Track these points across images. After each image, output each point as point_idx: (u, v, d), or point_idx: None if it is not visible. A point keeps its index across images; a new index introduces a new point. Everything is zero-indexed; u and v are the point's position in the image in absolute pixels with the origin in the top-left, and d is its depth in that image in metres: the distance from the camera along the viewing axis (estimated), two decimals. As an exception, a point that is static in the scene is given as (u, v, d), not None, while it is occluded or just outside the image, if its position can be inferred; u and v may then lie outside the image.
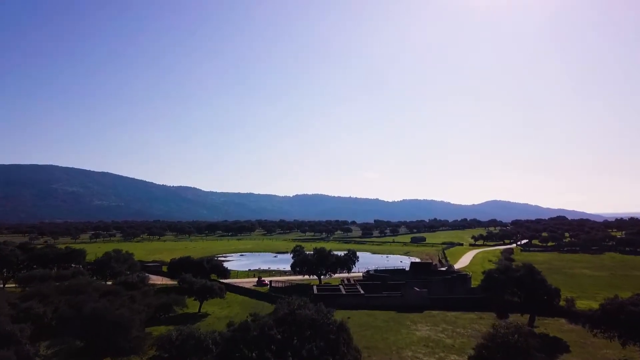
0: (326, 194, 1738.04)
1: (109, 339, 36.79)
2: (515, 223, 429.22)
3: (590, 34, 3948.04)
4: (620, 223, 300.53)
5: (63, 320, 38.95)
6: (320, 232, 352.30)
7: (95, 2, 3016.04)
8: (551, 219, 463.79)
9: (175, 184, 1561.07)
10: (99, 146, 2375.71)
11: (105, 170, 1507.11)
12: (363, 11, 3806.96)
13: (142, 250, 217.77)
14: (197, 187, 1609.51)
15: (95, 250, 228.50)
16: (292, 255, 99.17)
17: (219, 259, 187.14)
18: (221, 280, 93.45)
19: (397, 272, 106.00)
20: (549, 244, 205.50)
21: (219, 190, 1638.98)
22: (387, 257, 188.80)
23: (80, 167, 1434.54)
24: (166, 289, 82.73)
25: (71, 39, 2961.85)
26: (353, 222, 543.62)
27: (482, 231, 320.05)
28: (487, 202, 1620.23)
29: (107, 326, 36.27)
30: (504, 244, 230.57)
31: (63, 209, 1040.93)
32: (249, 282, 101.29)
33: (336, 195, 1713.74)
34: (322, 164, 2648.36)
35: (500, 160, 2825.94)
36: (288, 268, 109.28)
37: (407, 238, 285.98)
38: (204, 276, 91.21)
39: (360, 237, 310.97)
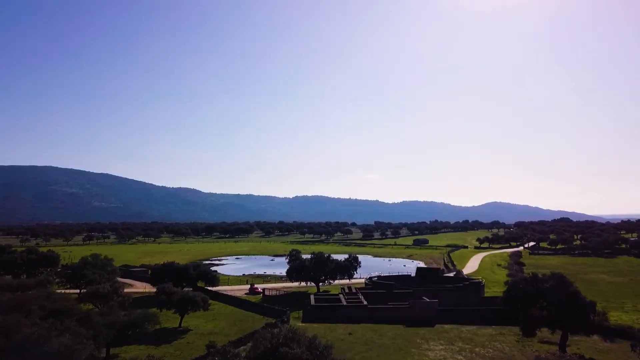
0: (326, 195, 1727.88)
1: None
2: (519, 225, 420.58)
3: (592, 37, 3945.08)
4: (630, 225, 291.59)
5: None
6: (319, 234, 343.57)
7: (94, 3, 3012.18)
8: (555, 220, 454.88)
9: (175, 185, 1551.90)
10: (98, 147, 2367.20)
11: (105, 172, 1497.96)
12: (363, 12, 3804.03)
13: (134, 253, 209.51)
14: (197, 189, 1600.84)
15: (85, 253, 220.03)
16: (287, 260, 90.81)
17: (213, 262, 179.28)
18: (209, 288, 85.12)
19: (403, 279, 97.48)
20: (559, 246, 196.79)
21: (218, 192, 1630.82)
22: (390, 260, 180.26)
23: (80, 169, 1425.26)
24: (145, 298, 74.28)
25: (70, 39, 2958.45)
26: (353, 224, 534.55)
27: (486, 233, 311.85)
28: (487, 204, 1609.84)
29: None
30: (511, 246, 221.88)
31: (62, 211, 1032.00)
32: (241, 290, 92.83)
33: (336, 197, 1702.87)
34: (322, 165, 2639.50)
35: (501, 162, 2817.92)
36: (284, 273, 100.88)
37: (409, 240, 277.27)
38: (190, 284, 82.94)
39: (360, 240, 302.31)
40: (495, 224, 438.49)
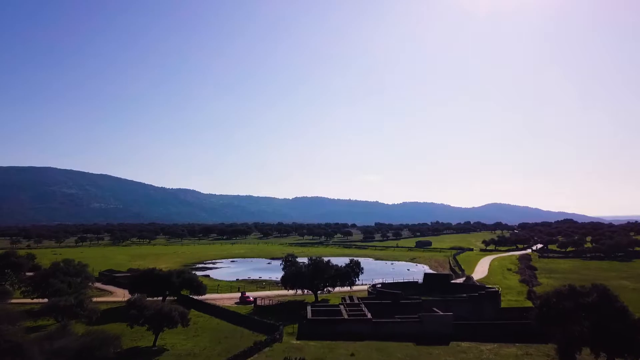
0: (326, 196, 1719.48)
1: None
2: (523, 226, 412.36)
3: (593, 38, 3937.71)
4: (639, 227, 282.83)
5: None
6: (319, 236, 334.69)
7: (94, 4, 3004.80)
8: (559, 222, 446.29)
9: (175, 187, 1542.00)
10: (97, 148, 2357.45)
11: (104, 173, 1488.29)
12: (363, 14, 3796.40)
13: (126, 255, 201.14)
14: (197, 190, 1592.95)
15: (76, 255, 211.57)
16: (282, 265, 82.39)
17: (207, 265, 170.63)
18: (195, 298, 76.59)
19: (409, 286, 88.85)
20: (569, 249, 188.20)
21: (218, 193, 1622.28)
22: (392, 264, 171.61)
23: (79, 170, 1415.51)
24: (122, 309, 65.60)
25: (69, 40, 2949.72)
26: (353, 225, 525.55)
27: (490, 235, 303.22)
28: (487, 205, 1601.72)
29: None
30: (518, 249, 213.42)
31: (61, 212, 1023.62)
32: (231, 298, 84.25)
33: (336, 198, 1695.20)
34: (321, 166, 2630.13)
35: (500, 163, 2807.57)
36: (280, 278, 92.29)
37: (411, 242, 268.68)
38: (173, 293, 74.47)
39: (361, 241, 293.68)
40: (498, 226, 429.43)
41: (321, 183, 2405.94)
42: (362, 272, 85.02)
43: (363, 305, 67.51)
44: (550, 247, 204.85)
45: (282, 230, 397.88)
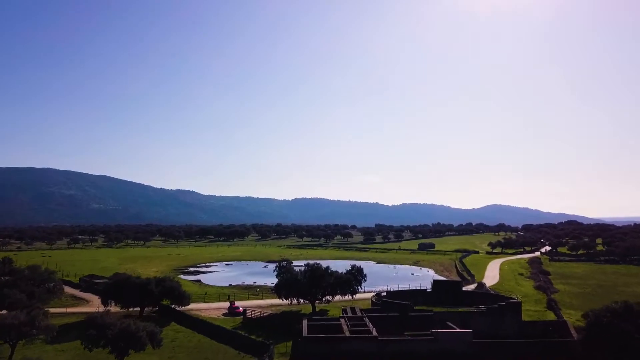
0: (325, 197, 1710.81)
1: None
2: (527, 228, 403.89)
3: (592, 39, 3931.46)
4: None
5: None
6: (318, 238, 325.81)
7: (93, 4, 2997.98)
8: (563, 223, 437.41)
9: (174, 188, 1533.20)
10: (96, 149, 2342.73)
11: (103, 174, 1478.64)
12: (363, 13, 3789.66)
13: (117, 258, 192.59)
14: (196, 191, 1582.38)
15: (66, 257, 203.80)
16: (275, 272, 73.96)
17: (200, 269, 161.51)
18: (177, 309, 68.09)
19: (416, 295, 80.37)
20: (580, 252, 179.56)
21: (217, 194, 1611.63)
22: (395, 267, 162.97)
23: (78, 170, 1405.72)
24: (75, 327, 57.01)
25: (68, 41, 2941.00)
26: (353, 227, 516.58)
27: (493, 237, 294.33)
28: (487, 206, 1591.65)
29: None
30: (525, 251, 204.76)
31: (60, 213, 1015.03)
32: (219, 309, 75.66)
33: (335, 199, 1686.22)
34: (321, 167, 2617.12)
35: (500, 164, 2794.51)
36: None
37: (413, 244, 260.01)
38: (152, 303, 65.96)
39: (361, 244, 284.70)
40: (501, 227, 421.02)
41: (321, 184, 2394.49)
42: (365, 280, 76.36)
43: (367, 319, 58.88)
44: (559, 249, 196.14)
45: (280, 231, 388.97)
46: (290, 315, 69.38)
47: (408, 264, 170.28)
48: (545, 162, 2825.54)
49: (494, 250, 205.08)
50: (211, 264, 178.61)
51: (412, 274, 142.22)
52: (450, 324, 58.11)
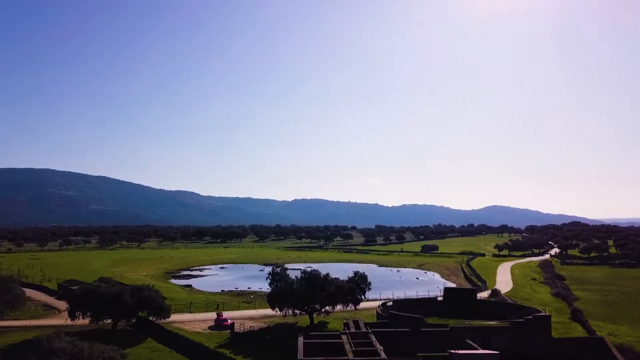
0: (325, 198, 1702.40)
1: None
2: (531, 229, 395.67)
3: (593, 40, 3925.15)
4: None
5: None
6: (317, 239, 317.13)
7: (93, 5, 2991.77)
8: (567, 224, 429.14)
9: (173, 189, 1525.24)
10: (96, 150, 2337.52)
11: (102, 175, 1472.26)
12: (364, 14, 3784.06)
13: (107, 260, 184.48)
14: (195, 192, 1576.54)
15: (55, 260, 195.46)
16: (268, 280, 65.65)
17: (192, 272, 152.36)
18: (156, 322, 59.81)
19: (426, 304, 72.38)
20: (592, 255, 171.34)
21: (217, 195, 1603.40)
22: (398, 271, 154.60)
23: (77, 171, 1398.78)
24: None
25: (68, 41, 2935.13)
26: (353, 228, 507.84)
27: (497, 238, 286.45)
28: (487, 207, 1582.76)
29: None
30: (533, 254, 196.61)
31: (59, 214, 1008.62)
32: (205, 320, 67.40)
33: (335, 200, 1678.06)
34: (321, 168, 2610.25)
35: (500, 165, 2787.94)
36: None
37: (416, 246, 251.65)
38: (128, 315, 57.73)
39: (362, 245, 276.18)
40: (505, 229, 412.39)
41: (321, 185, 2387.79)
42: (370, 289, 67.96)
43: (373, 337, 50.58)
44: (569, 252, 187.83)
45: (279, 233, 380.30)
46: (285, 329, 61.21)
47: (412, 267, 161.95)
48: (545, 163, 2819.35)
49: (501, 253, 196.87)
50: (205, 267, 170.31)
51: (417, 279, 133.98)
52: (469, 341, 49.94)
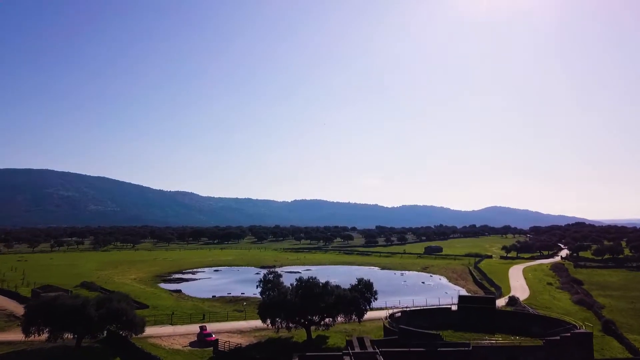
0: (325, 199, 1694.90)
1: None
2: (535, 230, 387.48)
3: (593, 41, 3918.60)
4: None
5: None
6: (317, 240, 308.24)
7: (92, 5, 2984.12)
8: (570, 225, 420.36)
9: (173, 189, 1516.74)
10: (95, 150, 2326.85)
11: (102, 175, 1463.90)
12: (362, 14, 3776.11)
13: (97, 262, 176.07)
14: (195, 192, 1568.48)
15: (44, 261, 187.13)
16: (259, 287, 57.22)
17: (184, 276, 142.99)
18: (128, 338, 51.35)
19: (439, 315, 64.05)
20: (606, 257, 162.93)
21: (216, 196, 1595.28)
22: (402, 274, 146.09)
23: (76, 172, 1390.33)
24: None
25: (67, 41, 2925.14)
26: (353, 228, 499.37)
27: (501, 239, 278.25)
28: (487, 208, 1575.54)
29: None
30: (542, 255, 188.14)
31: (58, 214, 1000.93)
32: (187, 335, 58.91)
33: (335, 201, 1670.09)
34: (321, 169, 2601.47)
35: (500, 166, 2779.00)
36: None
37: (419, 247, 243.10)
38: (93, 330, 49.28)
39: (363, 247, 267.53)
40: (508, 229, 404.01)
41: (320, 186, 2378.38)
42: (376, 299, 59.43)
43: (381, 358, 42.22)
44: (581, 254, 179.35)
45: (278, 234, 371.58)
46: (278, 346, 52.85)
47: (416, 270, 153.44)
48: (544, 164, 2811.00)
49: (509, 255, 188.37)
50: (199, 269, 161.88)
51: (423, 283, 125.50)
52: (498, 365, 41.59)
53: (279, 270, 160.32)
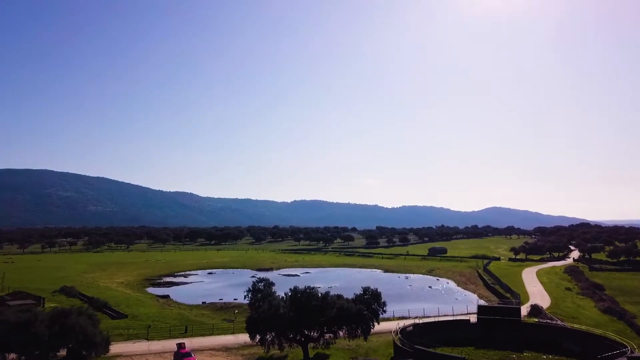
0: (325, 200, 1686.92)
1: None
2: (540, 230, 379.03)
3: (594, 42, 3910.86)
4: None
5: None
6: (316, 241, 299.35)
7: (92, 5, 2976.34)
8: (575, 226, 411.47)
9: (172, 190, 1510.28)
10: (94, 151, 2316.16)
11: (101, 176, 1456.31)
12: (361, 15, 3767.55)
13: (86, 264, 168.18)
14: (194, 193, 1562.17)
15: (30, 264, 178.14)
16: (247, 298, 48.86)
17: (176, 279, 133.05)
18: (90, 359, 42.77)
19: (455, 328, 55.57)
20: (621, 258, 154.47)
21: (216, 196, 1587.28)
22: (407, 277, 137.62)
23: (76, 172, 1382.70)
24: None
25: (67, 42, 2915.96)
26: (354, 229, 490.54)
27: (505, 240, 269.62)
28: (487, 209, 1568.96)
29: None
30: (552, 257, 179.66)
31: (57, 215, 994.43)
32: (163, 354, 50.34)
33: (335, 202, 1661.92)
34: (320, 169, 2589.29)
35: (500, 167, 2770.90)
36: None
37: (422, 249, 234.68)
38: (44, 350, 40.72)
39: (364, 248, 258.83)
40: (512, 230, 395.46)
41: (320, 186, 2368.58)
42: (385, 311, 50.86)
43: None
44: (594, 256, 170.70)
45: (276, 234, 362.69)
46: (269, 367, 44.22)
47: (421, 273, 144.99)
48: (544, 165, 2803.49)
49: (517, 257, 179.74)
50: (192, 272, 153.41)
51: (430, 287, 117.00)
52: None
53: (276, 272, 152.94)
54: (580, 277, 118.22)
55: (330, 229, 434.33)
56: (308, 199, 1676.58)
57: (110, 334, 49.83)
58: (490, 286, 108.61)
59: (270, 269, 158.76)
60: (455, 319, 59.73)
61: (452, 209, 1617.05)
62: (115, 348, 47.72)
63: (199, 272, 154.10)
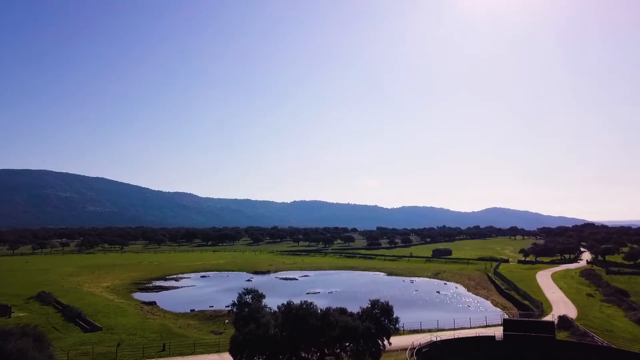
0: (324, 200, 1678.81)
1: None
2: (545, 231, 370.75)
3: (594, 42, 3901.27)
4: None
5: None
6: (316, 242, 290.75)
7: (92, 5, 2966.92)
8: (582, 226, 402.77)
9: (172, 190, 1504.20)
10: (93, 151, 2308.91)
11: (100, 176, 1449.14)
12: (361, 15, 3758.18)
13: (74, 266, 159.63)
14: (194, 193, 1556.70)
15: (16, 265, 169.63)
16: (231, 309, 40.81)
17: (166, 283, 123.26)
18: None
19: (479, 346, 47.26)
20: (639, 260, 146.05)
21: (215, 197, 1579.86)
22: (413, 281, 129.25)
23: (74, 173, 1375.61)
24: None
25: (66, 42, 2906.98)
26: (354, 230, 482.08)
27: (509, 241, 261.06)
28: (487, 209, 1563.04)
29: None
30: (563, 259, 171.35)
31: (56, 215, 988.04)
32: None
33: (335, 202, 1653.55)
34: (320, 170, 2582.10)
35: (499, 167, 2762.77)
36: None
37: (425, 250, 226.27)
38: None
39: (366, 249, 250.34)
40: (516, 231, 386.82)
41: (320, 187, 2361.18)
42: (397, 328, 42.64)
43: None
44: (608, 258, 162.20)
45: (275, 235, 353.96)
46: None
47: (427, 277, 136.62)
48: (544, 165, 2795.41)
49: (527, 259, 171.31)
50: (184, 275, 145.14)
51: (438, 292, 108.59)
52: None
53: (274, 275, 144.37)
54: (599, 281, 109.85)
55: (330, 229, 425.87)
56: (307, 199, 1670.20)
57: (70, 354, 41.85)
58: (504, 292, 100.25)
59: (268, 272, 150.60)
60: (477, 334, 51.37)
61: (451, 209, 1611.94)
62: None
63: (192, 275, 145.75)
